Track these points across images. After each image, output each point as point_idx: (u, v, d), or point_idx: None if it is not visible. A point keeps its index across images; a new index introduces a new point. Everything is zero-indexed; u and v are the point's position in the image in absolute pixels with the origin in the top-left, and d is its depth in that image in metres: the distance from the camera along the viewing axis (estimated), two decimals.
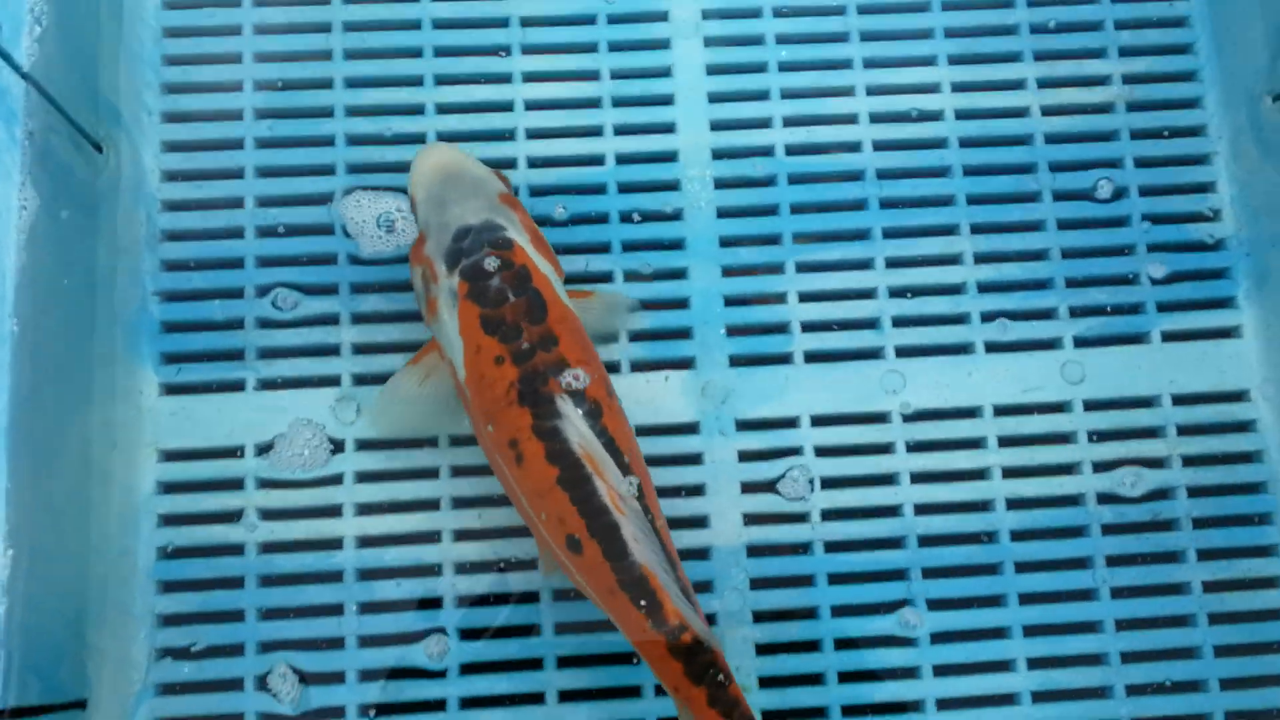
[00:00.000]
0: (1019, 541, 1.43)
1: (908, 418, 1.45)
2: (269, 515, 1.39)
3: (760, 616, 1.39)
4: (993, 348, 1.47)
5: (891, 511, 1.43)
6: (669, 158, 1.51)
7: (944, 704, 1.38)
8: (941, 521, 1.42)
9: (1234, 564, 1.43)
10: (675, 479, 1.42)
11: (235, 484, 1.40)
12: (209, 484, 1.40)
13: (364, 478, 1.40)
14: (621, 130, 1.51)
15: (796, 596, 1.40)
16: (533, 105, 1.51)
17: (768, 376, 1.45)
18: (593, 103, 1.52)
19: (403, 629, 1.37)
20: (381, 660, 1.37)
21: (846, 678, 1.39)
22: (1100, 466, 1.45)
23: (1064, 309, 1.48)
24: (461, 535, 1.39)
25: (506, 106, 1.51)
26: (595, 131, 1.51)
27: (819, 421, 1.45)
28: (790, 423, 1.44)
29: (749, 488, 1.42)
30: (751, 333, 1.47)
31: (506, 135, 1.49)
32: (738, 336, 1.47)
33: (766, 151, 1.51)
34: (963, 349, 1.48)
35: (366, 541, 1.39)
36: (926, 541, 1.42)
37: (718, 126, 1.52)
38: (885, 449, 1.45)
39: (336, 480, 1.40)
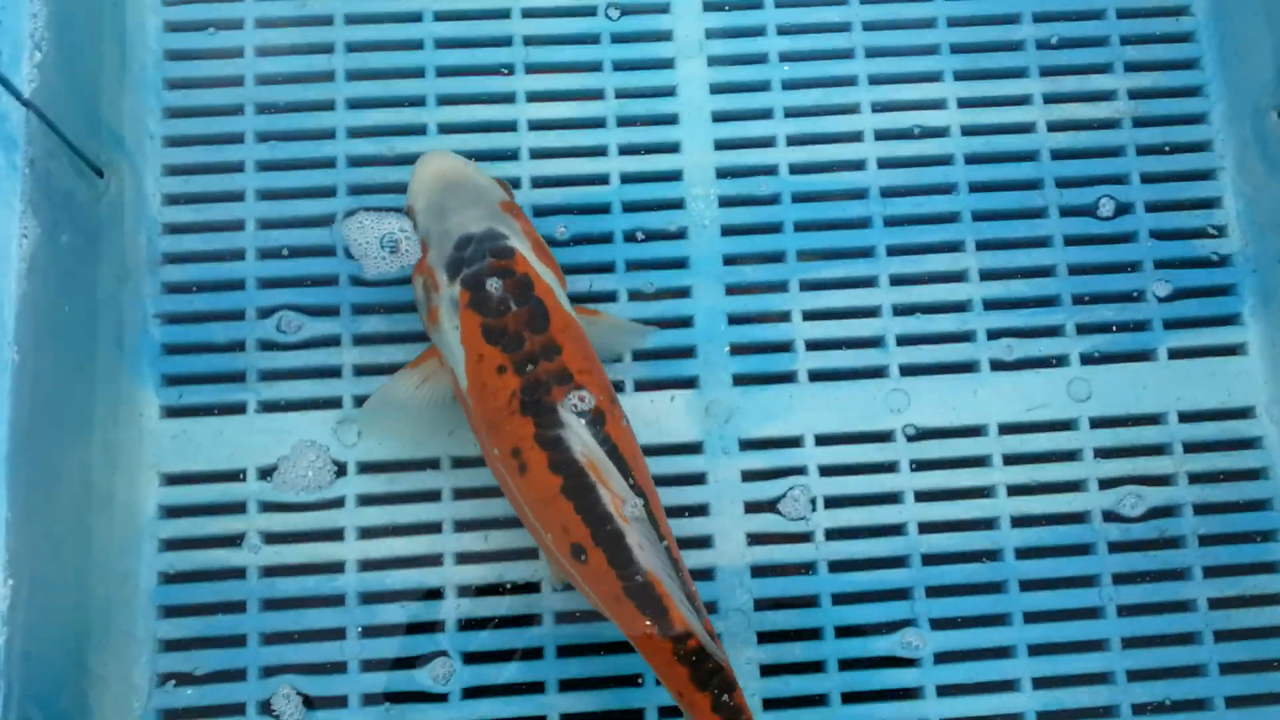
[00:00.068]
0: (1024, 560, 1.42)
1: (912, 436, 1.44)
2: (271, 539, 1.39)
3: (764, 638, 1.39)
4: (998, 365, 1.47)
5: (896, 530, 1.42)
6: (673, 177, 1.50)
7: None
8: (946, 540, 1.42)
9: (1240, 581, 1.42)
10: (679, 499, 1.41)
11: (237, 507, 1.39)
12: (210, 508, 1.40)
13: (366, 500, 1.40)
14: (626, 150, 1.51)
15: (801, 617, 1.40)
16: (536, 125, 1.51)
17: (772, 395, 1.45)
18: (597, 122, 1.52)
19: (406, 652, 1.37)
20: (385, 684, 1.36)
21: (851, 699, 1.38)
22: (1106, 484, 1.44)
23: (1070, 326, 1.48)
24: (464, 558, 1.39)
25: (510, 126, 1.50)
26: (600, 151, 1.51)
27: (823, 440, 1.44)
28: (794, 442, 1.44)
29: (753, 507, 1.42)
30: (755, 351, 1.47)
31: (510, 155, 1.49)
32: (741, 355, 1.46)
33: (770, 170, 1.51)
34: (968, 367, 1.47)
35: (369, 565, 1.39)
36: (931, 560, 1.42)
37: (722, 145, 1.51)
38: (890, 468, 1.44)
39: (338, 503, 1.40)
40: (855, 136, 1.53)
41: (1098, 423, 1.46)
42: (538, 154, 1.50)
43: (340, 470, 1.41)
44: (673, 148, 1.51)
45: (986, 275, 1.49)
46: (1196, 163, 1.54)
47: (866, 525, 1.43)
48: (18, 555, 1.18)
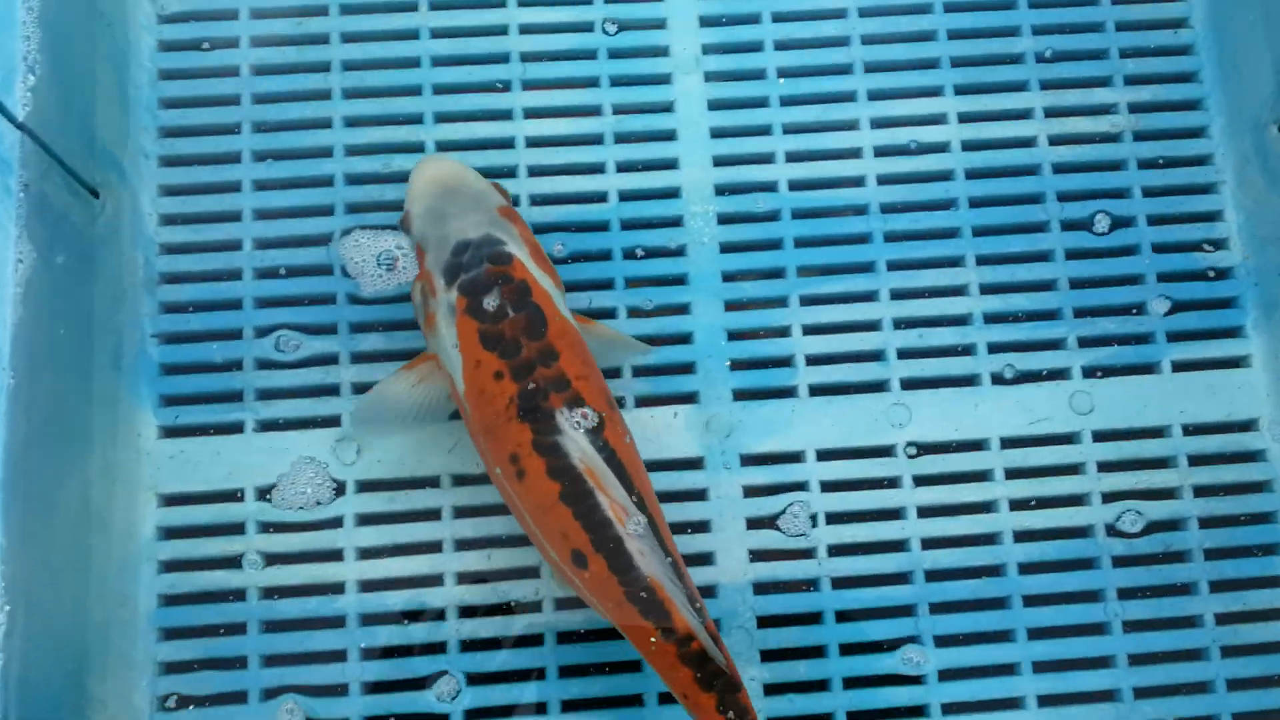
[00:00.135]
0: (1027, 575, 1.41)
1: (914, 451, 1.44)
2: (271, 559, 1.38)
3: (768, 656, 1.38)
4: (999, 379, 1.46)
5: (898, 546, 1.42)
6: (672, 194, 1.50)
7: None
8: (949, 556, 1.41)
9: (1246, 595, 1.42)
10: (680, 515, 1.40)
11: (236, 528, 1.39)
12: (209, 528, 1.39)
13: (365, 520, 1.39)
14: (624, 167, 1.50)
15: (804, 634, 1.39)
16: (534, 142, 1.51)
17: (772, 411, 1.44)
18: (595, 139, 1.51)
19: (407, 673, 1.36)
20: (387, 705, 1.35)
21: (855, 718, 1.37)
22: (1109, 497, 1.43)
23: (1072, 339, 1.47)
24: (465, 577, 1.38)
25: (508, 143, 1.50)
26: (598, 169, 1.50)
27: (824, 456, 1.44)
28: (795, 457, 1.43)
29: (754, 524, 1.41)
30: (755, 367, 1.46)
31: (508, 173, 1.49)
32: (741, 371, 1.46)
33: (770, 186, 1.50)
34: (969, 380, 1.46)
35: (369, 585, 1.38)
36: (934, 576, 1.41)
37: (720, 162, 1.51)
38: (891, 483, 1.44)
39: (337, 523, 1.39)
40: (855, 153, 1.52)
41: (1100, 436, 1.45)
42: (536, 171, 1.50)
43: (339, 489, 1.40)
44: (671, 164, 1.51)
45: (987, 289, 1.49)
46: (1197, 176, 1.53)
47: (869, 541, 1.42)
48: (14, 580, 1.17)
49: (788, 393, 1.45)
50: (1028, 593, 1.41)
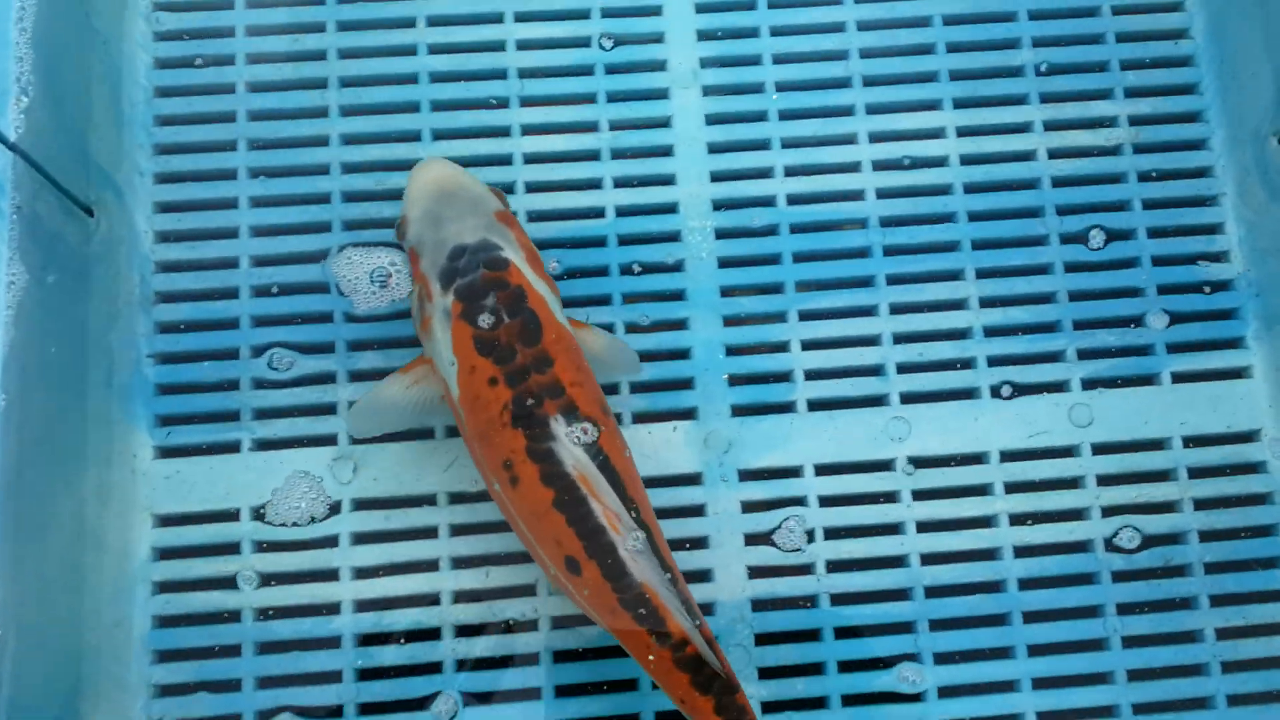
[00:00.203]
0: (1027, 590, 1.41)
1: (913, 465, 1.43)
2: (266, 579, 1.38)
3: (766, 673, 1.38)
4: (999, 393, 1.45)
5: (898, 562, 1.41)
6: (669, 209, 1.50)
7: None
8: (948, 571, 1.41)
9: (1247, 610, 1.41)
10: (679, 532, 1.40)
11: (231, 548, 1.38)
12: (205, 549, 1.39)
13: (361, 539, 1.39)
14: (621, 182, 1.50)
15: (802, 652, 1.38)
16: (532, 158, 1.50)
17: (771, 426, 1.44)
18: (592, 155, 1.51)
19: (404, 694, 1.36)
20: None
21: None
22: (1109, 511, 1.43)
23: (1072, 351, 1.47)
24: (461, 596, 1.38)
25: (505, 160, 1.49)
26: (595, 184, 1.50)
27: (823, 471, 1.43)
28: (794, 472, 1.43)
29: (753, 540, 1.41)
30: (754, 382, 1.45)
31: (506, 189, 1.48)
32: (740, 386, 1.45)
33: (768, 201, 1.50)
34: (968, 394, 1.46)
35: (365, 605, 1.38)
36: (933, 592, 1.40)
37: (718, 177, 1.51)
38: (891, 497, 1.43)
39: (333, 542, 1.39)
40: (853, 167, 1.51)
41: (1100, 449, 1.45)
42: (533, 187, 1.49)
43: (335, 508, 1.39)
44: (668, 180, 1.50)
45: (986, 303, 1.48)
46: (1198, 188, 1.53)
47: (868, 557, 1.41)
48: (6, 602, 1.17)
49: (786, 408, 1.45)
50: (1027, 609, 1.40)
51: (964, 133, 1.53)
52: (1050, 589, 1.41)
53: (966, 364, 1.47)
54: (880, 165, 1.52)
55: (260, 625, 1.37)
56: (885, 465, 1.44)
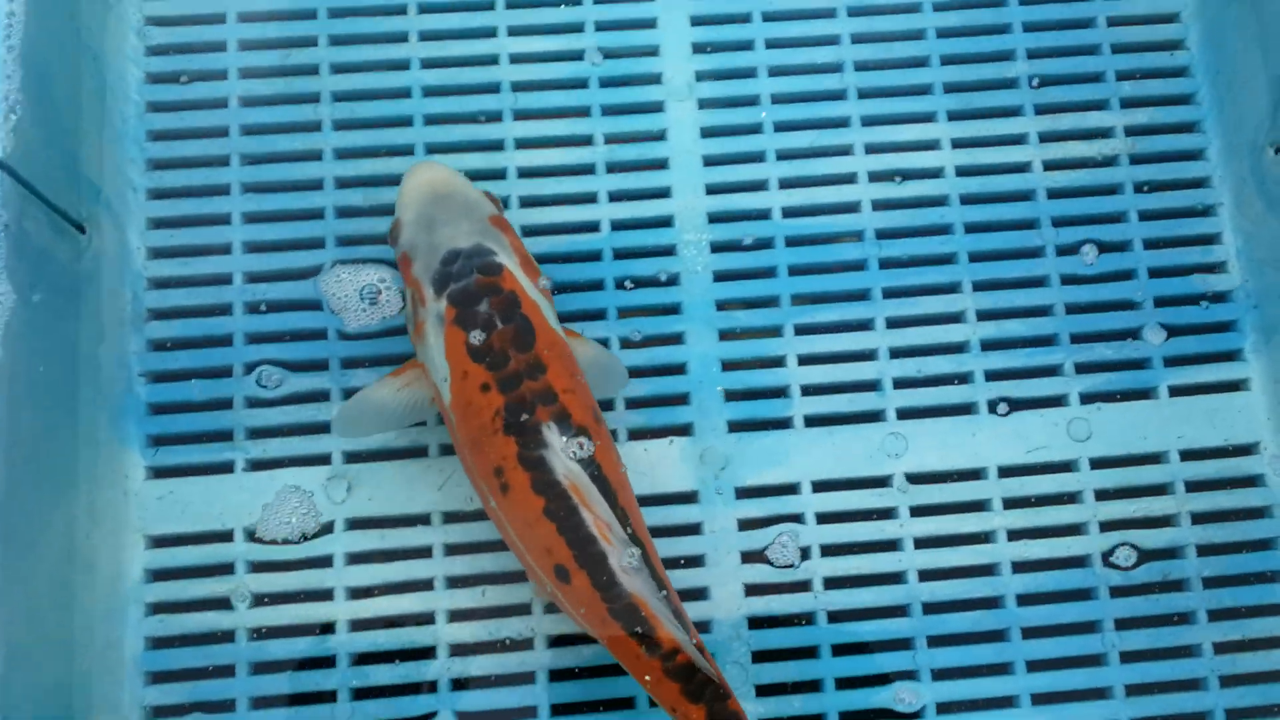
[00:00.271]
0: (1025, 606, 1.40)
1: (911, 481, 1.42)
2: (260, 599, 1.37)
3: (763, 691, 1.37)
4: (996, 407, 1.45)
5: (896, 578, 1.40)
6: (664, 223, 1.49)
7: None
8: (946, 588, 1.40)
9: (1245, 624, 1.41)
10: (674, 550, 1.39)
11: (225, 568, 1.37)
12: (198, 570, 1.38)
13: (356, 559, 1.38)
14: (616, 196, 1.49)
15: (800, 669, 1.38)
16: (526, 172, 1.49)
17: (767, 442, 1.43)
18: (587, 169, 1.50)
19: (399, 713, 1.35)
20: None
21: None
22: (1108, 526, 1.42)
23: (1069, 365, 1.46)
24: (456, 615, 1.37)
25: (499, 174, 1.49)
26: (590, 198, 1.49)
27: (820, 487, 1.42)
28: (791, 489, 1.42)
29: (749, 557, 1.40)
30: (750, 397, 1.45)
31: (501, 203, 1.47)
32: (736, 401, 1.44)
33: (764, 214, 1.49)
34: (966, 409, 1.45)
35: (360, 625, 1.37)
36: (931, 609, 1.40)
37: (713, 190, 1.50)
38: (888, 514, 1.42)
39: (327, 562, 1.38)
40: (849, 179, 1.51)
41: (1098, 464, 1.44)
42: (528, 202, 1.48)
43: (328, 526, 1.39)
44: (663, 193, 1.50)
45: (984, 316, 1.48)
46: (1194, 199, 1.52)
47: (866, 574, 1.41)
48: None
49: (783, 424, 1.44)
50: (1026, 624, 1.39)
51: (959, 144, 1.53)
52: (1049, 604, 1.41)
53: (963, 379, 1.46)
54: (876, 177, 1.51)
55: (254, 645, 1.36)
56: (883, 481, 1.43)
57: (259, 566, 1.38)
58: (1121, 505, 1.43)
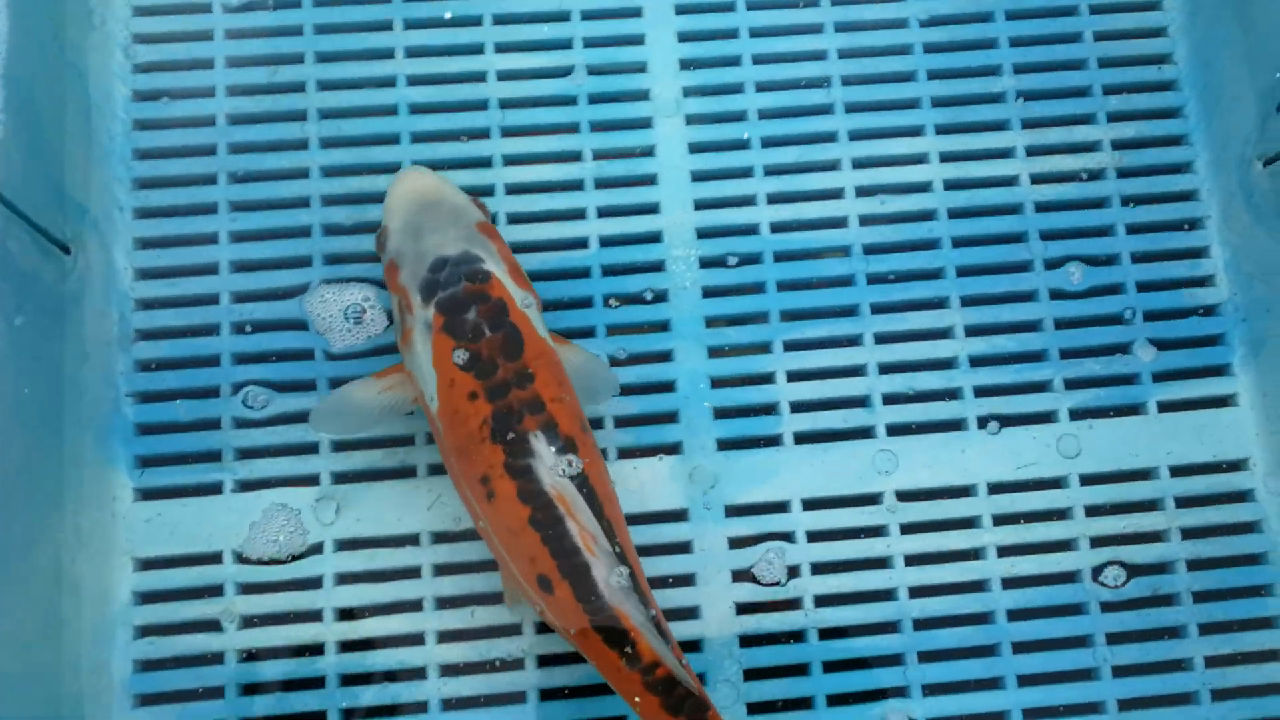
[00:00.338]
0: (1016, 621, 1.40)
1: (901, 498, 1.42)
2: (249, 621, 1.36)
3: (754, 709, 1.37)
4: (986, 423, 1.45)
5: (886, 595, 1.40)
6: (653, 238, 1.49)
7: None
8: (937, 604, 1.40)
9: (1236, 638, 1.41)
10: (664, 569, 1.39)
11: (214, 590, 1.37)
12: (187, 591, 1.37)
13: (344, 579, 1.38)
14: (605, 212, 1.49)
15: (791, 687, 1.37)
16: (514, 189, 1.49)
17: (757, 459, 1.43)
18: (575, 185, 1.50)
19: None
20: None
21: None
22: (1098, 542, 1.42)
23: (1059, 381, 1.46)
24: (445, 636, 1.37)
25: (487, 191, 1.48)
26: (578, 214, 1.49)
27: (810, 504, 1.42)
28: (781, 507, 1.42)
29: (740, 576, 1.40)
30: (739, 414, 1.44)
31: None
32: (725, 419, 1.44)
33: (752, 229, 1.49)
34: (956, 425, 1.45)
35: (349, 645, 1.36)
36: (922, 625, 1.39)
37: (702, 205, 1.50)
38: (878, 531, 1.42)
39: (316, 583, 1.37)
40: (836, 194, 1.51)
41: (1088, 480, 1.44)
42: (516, 219, 1.48)
43: (317, 547, 1.38)
44: (652, 209, 1.49)
45: (972, 331, 1.47)
46: (1182, 212, 1.52)
47: (856, 591, 1.40)
48: None
49: (773, 441, 1.44)
50: (1017, 639, 1.39)
51: (947, 158, 1.52)
52: (1039, 620, 1.41)
53: (953, 394, 1.46)
54: (863, 191, 1.51)
55: (244, 667, 1.35)
56: (873, 498, 1.43)
57: (248, 588, 1.37)
58: (1112, 521, 1.43)
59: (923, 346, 1.47)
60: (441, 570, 1.38)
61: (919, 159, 1.52)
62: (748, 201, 1.50)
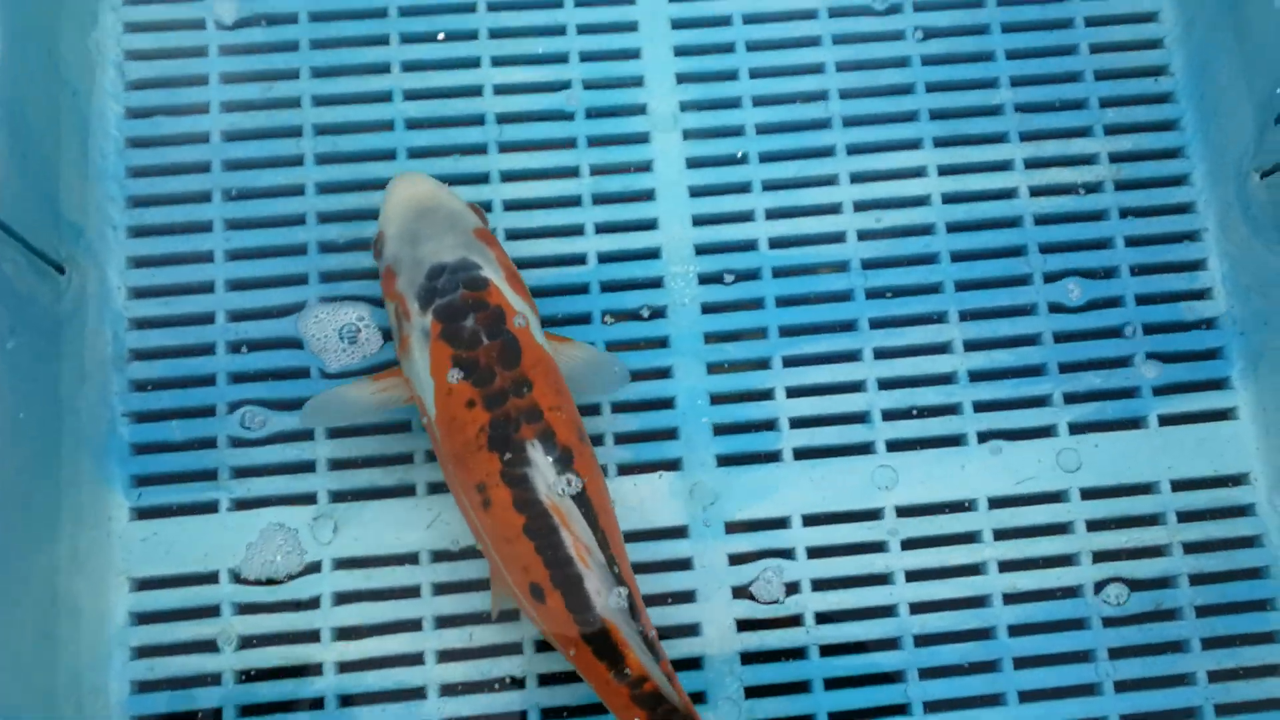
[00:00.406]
0: (1017, 637, 1.39)
1: (901, 514, 1.41)
2: (246, 641, 1.35)
3: None
4: (985, 438, 1.44)
5: (887, 611, 1.40)
6: (652, 255, 1.48)
7: None
8: (938, 620, 1.39)
9: (1239, 652, 1.40)
10: (664, 586, 1.38)
11: (211, 610, 1.36)
12: (184, 612, 1.36)
13: (343, 599, 1.37)
14: (603, 228, 1.48)
15: (792, 704, 1.36)
16: (511, 205, 1.48)
17: (757, 476, 1.42)
18: (573, 200, 1.49)
19: None
20: None
21: None
22: (1099, 556, 1.41)
23: (1058, 395, 1.45)
24: (445, 656, 1.36)
25: (485, 207, 1.47)
26: (576, 230, 1.48)
27: (810, 521, 1.41)
28: (781, 523, 1.41)
29: (740, 593, 1.39)
30: (739, 431, 1.44)
31: None
32: (725, 435, 1.43)
33: (750, 245, 1.48)
34: (955, 440, 1.44)
35: (347, 666, 1.35)
36: (923, 641, 1.39)
37: (700, 221, 1.49)
38: (879, 547, 1.41)
39: (314, 603, 1.36)
40: (834, 209, 1.50)
41: (1088, 494, 1.43)
42: (513, 235, 1.47)
43: (314, 566, 1.37)
44: (650, 225, 1.49)
45: (971, 346, 1.47)
46: (1179, 225, 1.52)
47: (857, 607, 1.40)
48: None
49: (772, 457, 1.43)
50: (1018, 655, 1.39)
51: (945, 171, 1.52)
52: (1041, 635, 1.40)
53: (952, 409, 1.45)
54: (861, 206, 1.51)
55: (242, 688, 1.34)
56: (873, 514, 1.42)
57: (245, 608, 1.36)
58: (1113, 536, 1.42)
59: (922, 361, 1.46)
60: (441, 589, 1.37)
61: (917, 172, 1.52)
62: (746, 217, 1.50)
